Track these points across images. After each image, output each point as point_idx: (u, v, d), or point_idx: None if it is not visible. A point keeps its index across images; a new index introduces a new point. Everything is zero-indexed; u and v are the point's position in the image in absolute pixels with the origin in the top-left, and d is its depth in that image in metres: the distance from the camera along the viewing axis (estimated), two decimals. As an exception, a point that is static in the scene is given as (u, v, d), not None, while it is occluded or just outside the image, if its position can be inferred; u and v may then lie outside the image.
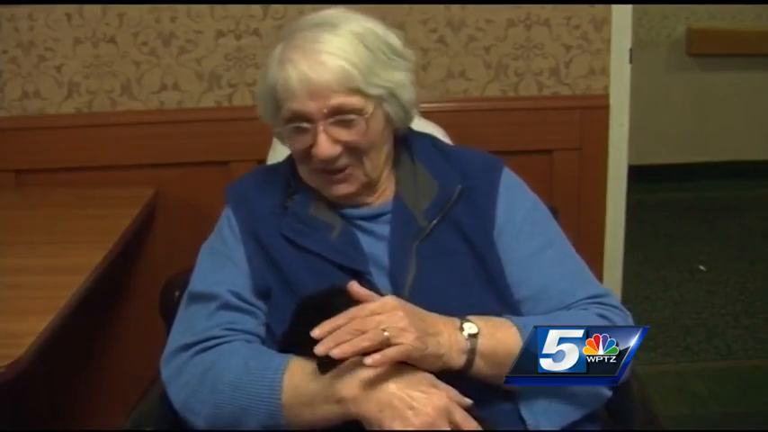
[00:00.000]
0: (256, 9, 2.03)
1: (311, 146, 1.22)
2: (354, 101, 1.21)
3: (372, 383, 1.05)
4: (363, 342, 1.04)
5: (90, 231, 1.77)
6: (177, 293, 1.49)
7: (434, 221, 1.26)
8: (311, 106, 1.20)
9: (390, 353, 1.04)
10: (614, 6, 2.05)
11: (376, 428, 1.04)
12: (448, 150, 1.37)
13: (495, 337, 1.13)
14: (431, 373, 1.09)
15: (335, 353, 1.03)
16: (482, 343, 1.12)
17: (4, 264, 1.61)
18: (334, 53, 1.20)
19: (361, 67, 1.20)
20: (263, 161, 1.75)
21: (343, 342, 1.03)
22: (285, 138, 1.29)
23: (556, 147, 2.10)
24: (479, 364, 1.12)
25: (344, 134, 1.22)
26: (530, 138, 2.09)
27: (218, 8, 2.02)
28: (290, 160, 1.36)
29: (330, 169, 1.24)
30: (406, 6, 2.02)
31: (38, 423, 2.16)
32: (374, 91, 1.22)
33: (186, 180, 2.08)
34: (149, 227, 2.08)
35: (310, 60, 1.20)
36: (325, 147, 1.21)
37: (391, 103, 1.25)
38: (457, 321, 1.14)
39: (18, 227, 1.83)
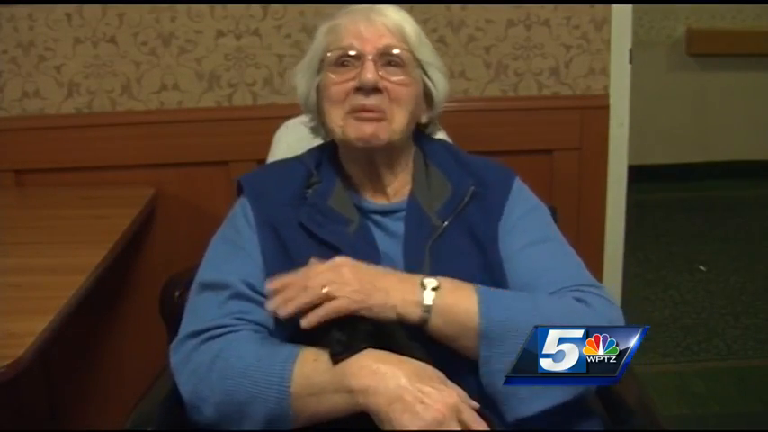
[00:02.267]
0: (256, 9, 2.03)
1: (351, 79, 1.26)
2: (404, 48, 1.28)
3: (383, 376, 1.05)
4: (302, 299, 1.11)
5: (90, 231, 1.77)
6: (177, 293, 1.50)
7: (447, 222, 1.27)
8: (364, 43, 1.27)
9: (321, 311, 1.10)
10: (614, 6, 2.05)
11: (385, 422, 1.04)
12: (461, 155, 1.39)
13: (455, 294, 1.15)
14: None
15: (279, 313, 1.11)
16: (439, 298, 1.14)
17: (4, 264, 1.61)
18: (392, 9, 1.31)
19: (413, 32, 1.31)
20: (262, 161, 1.75)
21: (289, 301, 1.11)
22: (323, 87, 1.30)
23: (556, 147, 2.10)
24: (436, 321, 1.14)
25: (387, 74, 1.27)
26: (530, 138, 2.09)
27: (218, 8, 2.02)
28: (314, 151, 1.38)
29: (364, 108, 1.26)
30: (407, 6, 2.01)
31: (38, 423, 2.16)
32: (421, 56, 1.30)
33: (186, 180, 2.08)
34: (149, 227, 2.09)
35: (368, 10, 1.30)
36: (371, 72, 1.25)
37: (431, 79, 1.33)
38: (419, 277, 1.16)
39: (18, 227, 1.83)
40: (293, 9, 2.02)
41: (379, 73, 1.26)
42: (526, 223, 1.30)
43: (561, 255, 1.30)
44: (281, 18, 2.03)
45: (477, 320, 1.13)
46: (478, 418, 1.07)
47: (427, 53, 1.33)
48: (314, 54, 1.32)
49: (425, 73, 1.32)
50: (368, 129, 1.26)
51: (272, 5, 2.02)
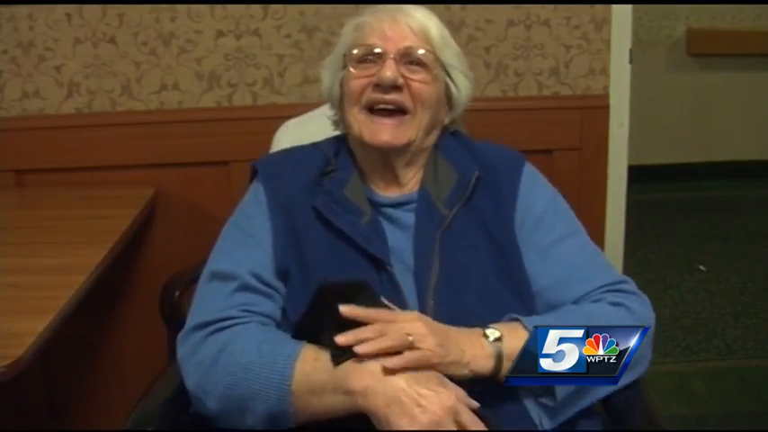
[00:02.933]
0: (256, 9, 2.03)
1: (371, 76, 1.27)
2: (427, 50, 1.29)
3: (382, 378, 1.06)
4: (386, 341, 1.07)
5: (90, 231, 1.77)
6: (177, 293, 1.50)
7: (455, 209, 1.28)
8: (387, 42, 1.28)
9: (410, 356, 1.07)
10: (614, 6, 2.05)
11: (383, 423, 1.04)
12: (470, 142, 1.40)
13: (518, 337, 1.14)
14: (460, 381, 1.10)
15: (358, 350, 1.06)
16: (507, 346, 1.14)
17: (4, 264, 1.61)
18: (419, 11, 1.32)
19: (437, 34, 1.32)
20: (263, 161, 1.75)
21: (366, 340, 1.06)
22: (344, 81, 1.31)
23: (556, 147, 2.10)
24: (507, 366, 1.14)
25: (409, 74, 1.27)
26: (530, 138, 2.09)
27: (218, 8, 2.02)
28: (333, 140, 1.39)
29: (381, 108, 1.27)
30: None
31: (38, 423, 2.16)
32: (444, 58, 1.31)
33: (186, 180, 2.08)
34: (149, 227, 2.08)
35: (395, 10, 1.31)
36: (391, 69, 1.26)
37: (453, 81, 1.33)
38: (478, 330, 1.15)
39: (18, 227, 1.83)
40: (293, 9, 2.02)
41: (401, 71, 1.27)
42: (552, 217, 1.31)
43: (587, 249, 1.32)
44: (281, 18, 2.03)
45: None
46: (476, 420, 1.07)
47: (451, 55, 1.33)
48: (339, 49, 1.34)
49: (448, 75, 1.33)
50: (384, 136, 1.28)
51: (272, 5, 2.02)
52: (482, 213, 1.28)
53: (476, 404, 1.08)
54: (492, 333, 1.14)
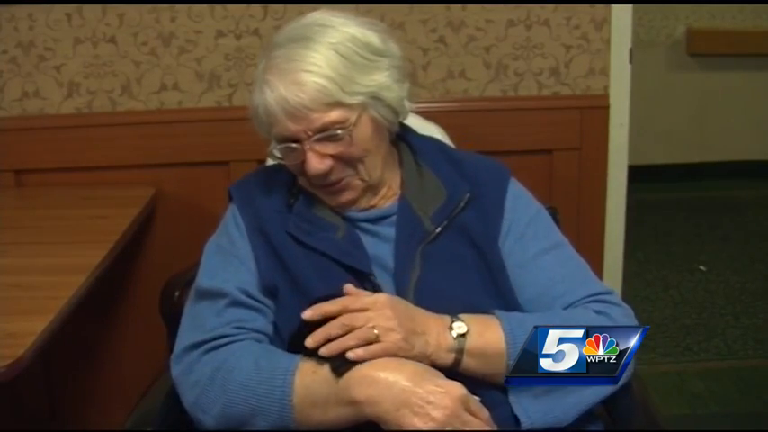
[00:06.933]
0: (256, 9, 2.03)
1: (301, 163, 1.23)
2: (335, 115, 1.20)
3: (386, 383, 1.06)
4: (350, 341, 1.09)
5: (90, 231, 1.77)
6: (177, 293, 1.50)
7: (441, 227, 1.26)
8: (294, 129, 1.21)
9: (373, 349, 1.08)
10: (614, 6, 2.05)
11: (394, 427, 1.04)
12: (455, 156, 1.37)
13: (484, 336, 1.15)
14: None
15: (322, 351, 1.08)
16: (470, 342, 1.14)
17: (4, 264, 1.61)
18: (309, 70, 1.19)
19: (336, 78, 1.19)
20: (262, 161, 1.75)
21: (332, 338, 1.09)
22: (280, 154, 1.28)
23: (556, 147, 2.10)
24: (468, 362, 1.14)
25: (332, 148, 1.22)
26: (530, 138, 2.09)
27: (218, 8, 2.02)
28: None
29: (326, 183, 1.25)
30: (406, 6, 2.02)
31: (38, 423, 2.16)
32: (355, 99, 1.21)
33: (186, 180, 2.08)
34: (149, 227, 2.08)
35: (286, 81, 1.20)
36: (315, 164, 1.22)
37: (376, 106, 1.24)
38: (447, 320, 1.15)
39: (18, 227, 1.83)
40: (293, 9, 2.02)
41: (321, 150, 1.21)
42: (534, 230, 1.30)
43: (571, 261, 1.31)
44: (281, 18, 2.03)
45: (506, 359, 1.14)
46: (483, 408, 1.09)
47: (364, 79, 1.22)
48: (255, 106, 1.28)
49: (373, 97, 1.23)
50: (342, 197, 1.27)
51: (272, 5, 2.02)
52: (468, 227, 1.27)
53: (476, 398, 1.09)
54: (458, 327, 1.14)
